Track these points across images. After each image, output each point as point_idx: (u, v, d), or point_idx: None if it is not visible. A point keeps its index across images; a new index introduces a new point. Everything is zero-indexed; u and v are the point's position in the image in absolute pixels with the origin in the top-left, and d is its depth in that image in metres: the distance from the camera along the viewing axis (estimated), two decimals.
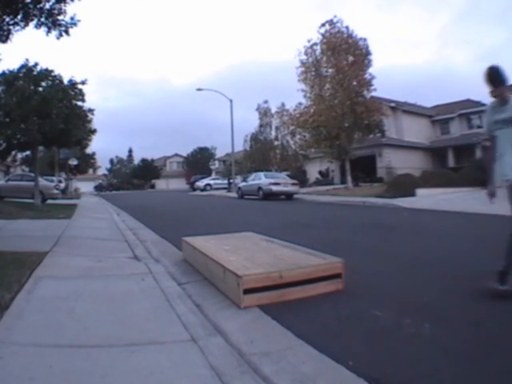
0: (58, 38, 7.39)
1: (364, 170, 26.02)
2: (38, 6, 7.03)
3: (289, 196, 18.37)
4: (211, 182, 36.46)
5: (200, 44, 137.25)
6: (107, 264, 4.17)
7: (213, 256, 3.51)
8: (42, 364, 1.85)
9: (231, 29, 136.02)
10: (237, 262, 3.23)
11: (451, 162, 26.90)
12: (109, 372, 1.80)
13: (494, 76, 3.13)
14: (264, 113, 36.75)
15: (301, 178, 26.77)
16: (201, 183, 36.11)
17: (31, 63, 12.14)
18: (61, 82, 12.39)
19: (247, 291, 2.80)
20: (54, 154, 26.60)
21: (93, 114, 14.24)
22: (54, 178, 22.57)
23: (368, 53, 22.14)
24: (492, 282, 3.01)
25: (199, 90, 28.72)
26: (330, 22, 22.41)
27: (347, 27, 22.27)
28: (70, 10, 7.36)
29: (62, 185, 23.88)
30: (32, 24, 7.20)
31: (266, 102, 36.88)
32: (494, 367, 1.91)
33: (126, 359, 1.95)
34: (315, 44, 22.87)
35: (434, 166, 26.64)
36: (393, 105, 27.96)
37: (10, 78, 11.77)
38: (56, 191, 17.51)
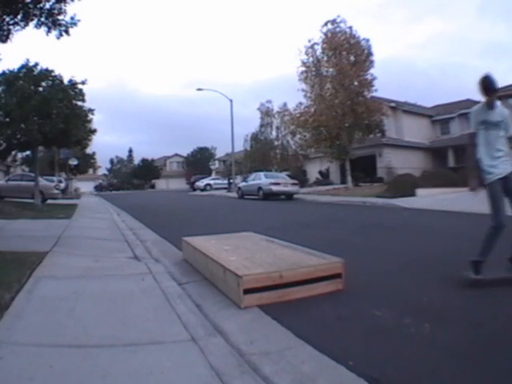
0: (58, 38, 7.40)
1: (364, 169, 26.00)
2: (38, 6, 7.04)
3: (289, 196, 18.36)
4: (211, 181, 36.44)
5: (199, 44, 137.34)
6: (107, 264, 4.17)
7: (213, 256, 3.51)
8: (42, 364, 1.85)
9: (229, 28, 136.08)
10: (237, 262, 3.23)
11: (451, 162, 26.87)
12: (109, 372, 1.80)
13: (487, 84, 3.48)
14: (266, 112, 36.71)
15: (301, 178, 26.77)
16: (201, 183, 36.10)
17: (31, 63, 12.17)
18: (61, 81, 12.41)
19: (247, 291, 2.80)
20: (54, 154, 26.59)
21: (93, 114, 14.28)
22: (54, 178, 22.55)
23: (370, 53, 22.11)
24: (467, 271, 3.32)
25: (199, 89, 28.74)
26: (333, 22, 22.38)
27: (351, 27, 22.23)
28: (70, 9, 7.37)
29: (62, 185, 23.86)
30: (32, 24, 7.22)
31: (269, 101, 36.84)
32: (494, 367, 1.91)
33: (126, 359, 1.95)
34: (316, 44, 22.86)
35: (433, 166, 26.61)
36: (393, 105, 27.94)
37: (10, 77, 11.78)
38: (56, 191, 17.51)
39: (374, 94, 22.73)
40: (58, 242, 5.21)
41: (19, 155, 24.58)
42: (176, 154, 65.87)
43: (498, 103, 3.65)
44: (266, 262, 3.24)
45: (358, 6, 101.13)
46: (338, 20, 22.34)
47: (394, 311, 2.69)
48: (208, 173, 49.82)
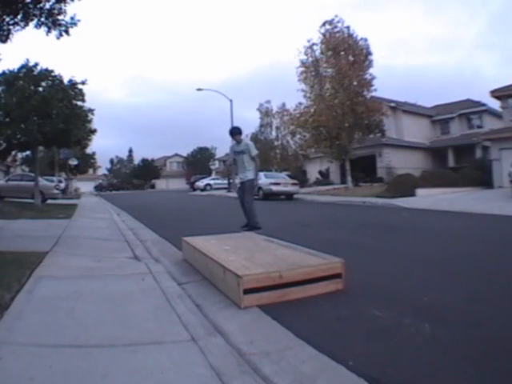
0: (58, 38, 7.38)
1: (364, 169, 25.99)
2: (38, 6, 7.02)
3: (289, 196, 18.37)
4: (211, 181, 36.44)
5: (202, 45, 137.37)
6: (107, 264, 4.17)
7: (213, 256, 3.51)
8: (42, 364, 1.85)
9: (229, 29, 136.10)
10: (237, 262, 3.22)
11: (451, 161, 26.88)
12: (109, 372, 1.80)
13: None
14: (265, 113, 36.73)
15: (301, 178, 26.75)
16: (201, 183, 36.09)
17: (31, 63, 12.17)
18: (61, 81, 12.40)
19: (247, 291, 2.80)
20: (54, 154, 26.58)
21: (93, 114, 14.27)
22: (54, 178, 22.55)
23: (369, 53, 22.14)
24: None
25: (199, 89, 28.70)
26: (331, 22, 22.43)
27: (348, 27, 22.28)
28: (70, 9, 7.36)
29: (62, 185, 23.84)
30: (32, 24, 7.19)
31: (268, 101, 36.87)
32: (494, 367, 1.91)
33: (126, 359, 1.95)
34: (315, 44, 22.90)
35: (433, 166, 26.61)
36: (393, 105, 27.94)
37: (10, 77, 11.77)
38: (56, 191, 17.50)
39: (374, 94, 22.77)
40: (58, 242, 5.21)
41: (19, 155, 24.61)
42: (176, 154, 65.83)
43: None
44: (265, 262, 3.24)
45: (356, 5, 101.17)
46: (336, 20, 22.40)
47: (394, 311, 2.69)
48: (208, 173, 49.80)
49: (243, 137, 6.83)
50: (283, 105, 34.47)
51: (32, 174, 15.79)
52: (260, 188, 18.15)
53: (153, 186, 58.06)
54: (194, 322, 2.49)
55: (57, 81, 12.33)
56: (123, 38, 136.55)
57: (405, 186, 16.44)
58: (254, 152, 6.35)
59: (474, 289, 3.23)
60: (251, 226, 6.17)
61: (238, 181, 6.74)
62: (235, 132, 6.48)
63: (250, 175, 6.32)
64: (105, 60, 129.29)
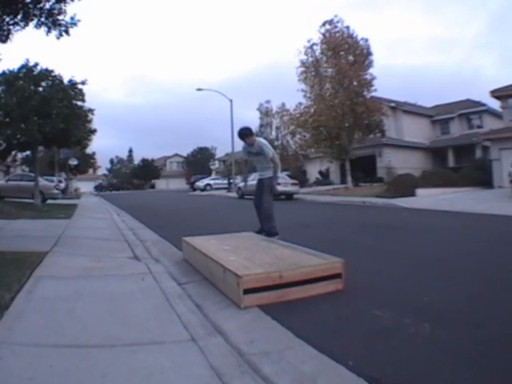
0: (58, 38, 7.40)
1: (364, 170, 25.99)
2: (38, 6, 7.04)
3: (289, 196, 18.37)
4: (211, 181, 36.47)
5: (202, 45, 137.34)
6: (107, 264, 4.17)
7: (213, 256, 3.51)
8: (42, 364, 1.85)
9: (230, 30, 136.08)
10: (237, 262, 3.22)
11: (451, 161, 26.88)
12: (109, 372, 1.80)
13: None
14: (265, 113, 36.75)
15: (301, 178, 26.75)
16: (201, 183, 36.12)
17: (31, 63, 12.18)
18: (61, 81, 12.41)
19: (247, 291, 2.80)
20: (54, 154, 26.59)
21: (93, 114, 14.29)
22: (54, 178, 22.55)
23: (369, 53, 22.16)
24: None
25: (199, 89, 28.74)
26: (331, 22, 22.45)
27: (348, 27, 22.33)
28: (70, 9, 7.38)
29: (62, 185, 23.85)
30: (32, 24, 7.22)
31: (268, 101, 36.90)
32: (494, 367, 1.91)
33: (126, 359, 1.95)
34: (315, 44, 22.91)
35: (433, 166, 26.61)
36: (393, 105, 27.95)
37: (10, 77, 11.78)
38: (56, 191, 17.51)
39: (374, 94, 22.78)
40: (58, 242, 5.21)
41: (19, 155, 24.59)
42: (176, 154, 65.83)
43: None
44: (266, 262, 3.24)
45: (356, 5, 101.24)
46: (336, 20, 22.41)
47: (394, 311, 2.69)
48: (208, 173, 49.81)
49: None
50: (283, 105, 34.47)
51: (32, 174, 15.79)
52: None
53: (153, 186, 58.06)
54: (193, 322, 2.49)
55: (57, 81, 12.35)
56: (123, 38, 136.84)
57: (405, 185, 16.44)
58: (271, 154, 5.68)
59: (474, 289, 3.23)
60: (267, 231, 5.48)
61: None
62: (245, 133, 5.64)
63: (270, 173, 5.75)
64: (105, 60, 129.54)
